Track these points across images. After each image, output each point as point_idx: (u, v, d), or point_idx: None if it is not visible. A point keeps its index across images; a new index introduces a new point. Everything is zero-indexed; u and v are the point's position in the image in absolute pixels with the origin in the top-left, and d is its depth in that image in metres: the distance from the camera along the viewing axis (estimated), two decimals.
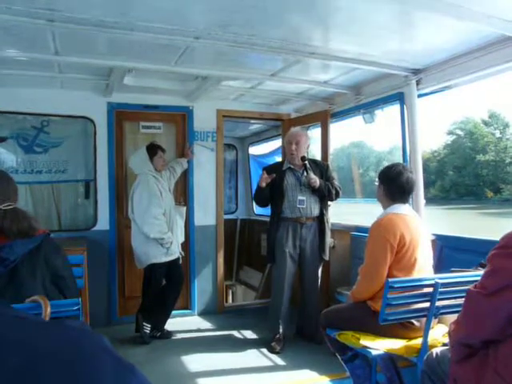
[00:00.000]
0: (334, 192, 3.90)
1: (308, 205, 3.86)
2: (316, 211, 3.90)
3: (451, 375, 1.59)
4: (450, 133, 30.21)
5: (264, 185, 3.81)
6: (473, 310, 1.50)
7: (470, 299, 1.52)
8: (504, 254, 1.41)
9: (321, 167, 4.01)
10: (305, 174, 3.85)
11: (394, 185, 2.60)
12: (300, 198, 3.84)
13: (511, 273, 1.38)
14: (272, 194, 3.90)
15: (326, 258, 3.94)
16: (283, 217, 3.89)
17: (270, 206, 4.05)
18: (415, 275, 2.45)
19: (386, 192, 2.62)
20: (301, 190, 3.86)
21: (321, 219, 3.92)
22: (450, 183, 27.59)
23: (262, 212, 6.00)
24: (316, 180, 3.77)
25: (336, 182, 4.00)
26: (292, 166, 3.94)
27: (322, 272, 4.05)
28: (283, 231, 3.88)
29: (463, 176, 27.10)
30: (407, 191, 2.63)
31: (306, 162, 3.86)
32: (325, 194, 3.88)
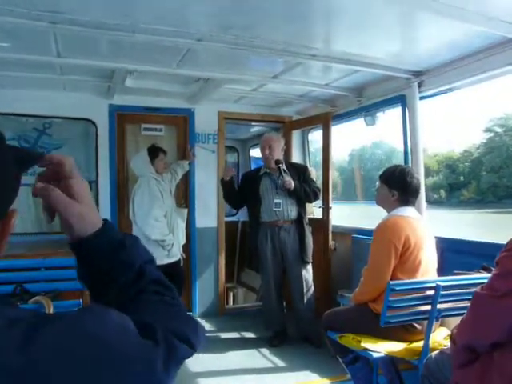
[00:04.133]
0: (311, 194, 3.92)
1: (284, 207, 3.88)
2: (293, 214, 3.92)
3: (453, 380, 1.58)
4: (488, 130, 26.78)
5: (227, 178, 3.90)
6: (482, 312, 1.47)
7: (478, 301, 1.50)
8: None
9: (299, 170, 4.05)
10: (280, 177, 3.87)
11: (409, 190, 2.59)
12: (276, 200, 3.87)
13: None
14: (249, 199, 3.95)
15: (309, 260, 3.94)
16: (261, 221, 3.93)
17: (248, 212, 4.14)
18: (419, 278, 2.44)
19: (401, 197, 2.59)
20: (277, 193, 3.90)
21: (299, 222, 3.94)
22: (487, 185, 24.64)
23: None
24: (291, 182, 3.80)
25: (315, 185, 4.03)
26: (268, 171, 3.98)
27: (317, 273, 4.07)
28: (262, 236, 3.93)
29: (503, 177, 24.39)
30: (419, 193, 2.66)
31: (281, 164, 3.90)
32: (301, 196, 3.90)
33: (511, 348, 1.38)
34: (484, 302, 1.46)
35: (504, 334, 1.39)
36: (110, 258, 0.73)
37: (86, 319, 0.57)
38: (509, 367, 1.37)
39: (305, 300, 3.91)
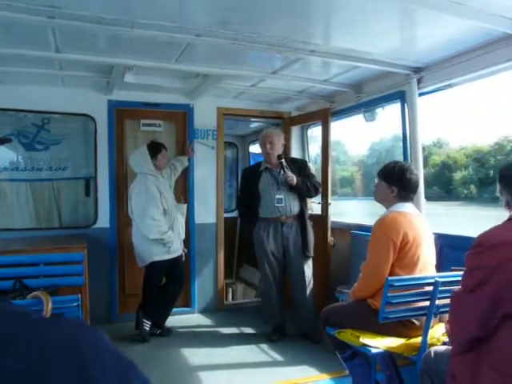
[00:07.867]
0: (312, 189, 3.92)
1: (287, 203, 3.87)
2: (296, 209, 3.91)
3: (449, 371, 1.60)
4: None
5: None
6: (457, 309, 1.56)
7: (453, 299, 1.60)
8: (477, 252, 1.51)
9: (299, 165, 4.04)
10: (281, 172, 3.87)
11: (409, 186, 2.59)
12: (278, 196, 3.86)
13: (484, 269, 1.46)
14: (250, 195, 3.93)
15: (310, 254, 3.94)
16: (263, 217, 3.91)
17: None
18: (418, 273, 2.44)
19: (400, 193, 2.59)
20: (278, 188, 3.88)
21: (301, 217, 3.93)
22: None
23: None
24: (293, 178, 3.79)
25: (315, 179, 4.02)
26: (269, 166, 3.97)
27: (316, 269, 4.07)
28: (264, 232, 3.90)
29: None
30: (417, 189, 2.69)
31: (283, 160, 3.88)
32: (303, 191, 3.89)
33: (493, 340, 1.43)
34: (458, 300, 1.56)
35: (477, 326, 1.46)
36: None
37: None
38: (494, 358, 1.41)
39: (305, 295, 3.92)
